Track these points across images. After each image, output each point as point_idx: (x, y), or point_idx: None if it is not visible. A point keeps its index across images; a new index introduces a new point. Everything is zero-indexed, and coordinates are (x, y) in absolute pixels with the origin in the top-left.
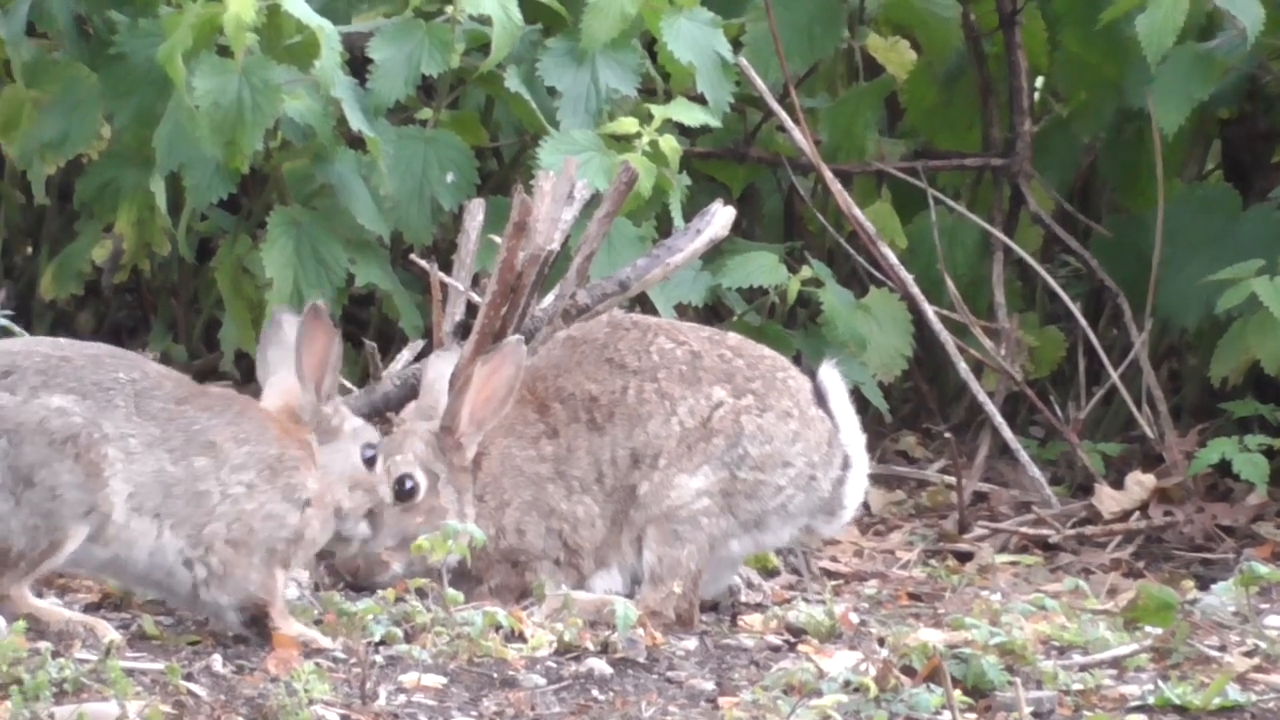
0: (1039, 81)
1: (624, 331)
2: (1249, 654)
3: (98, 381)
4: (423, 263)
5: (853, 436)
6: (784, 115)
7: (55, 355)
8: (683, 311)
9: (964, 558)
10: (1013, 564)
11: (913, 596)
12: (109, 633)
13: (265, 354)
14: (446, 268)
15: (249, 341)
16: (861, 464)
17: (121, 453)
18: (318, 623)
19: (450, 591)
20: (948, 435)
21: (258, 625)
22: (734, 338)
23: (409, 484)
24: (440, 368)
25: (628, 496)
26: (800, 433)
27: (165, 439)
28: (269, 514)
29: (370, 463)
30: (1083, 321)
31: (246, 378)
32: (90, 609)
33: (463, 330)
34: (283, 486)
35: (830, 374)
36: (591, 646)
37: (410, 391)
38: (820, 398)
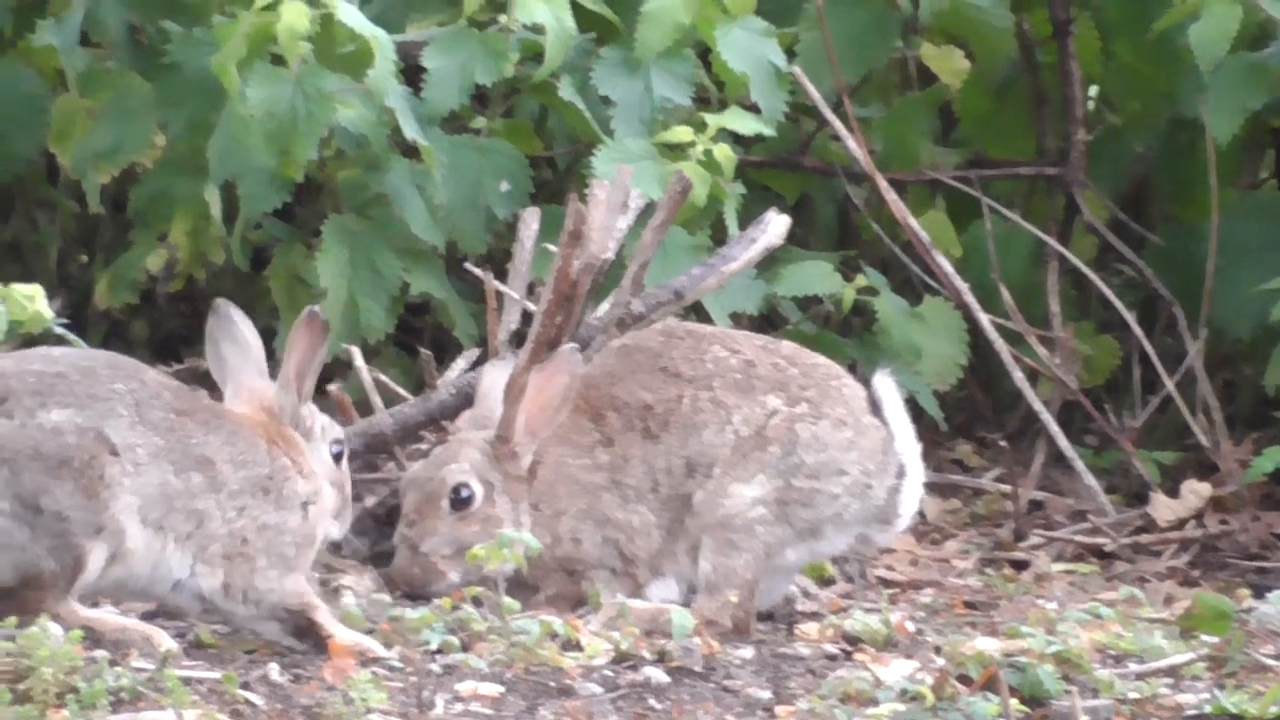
0: (1092, 90)
1: (678, 340)
2: None
3: (94, 394)
4: (478, 271)
5: (908, 445)
6: (838, 124)
7: (49, 372)
8: (737, 320)
9: (1020, 566)
10: (1068, 572)
11: (969, 605)
12: (165, 641)
13: (219, 349)
14: (501, 276)
15: None
16: (916, 472)
17: (130, 464)
18: (370, 631)
19: (506, 600)
20: (1003, 444)
21: (307, 634)
22: (788, 346)
23: (464, 493)
24: (495, 377)
25: (683, 505)
26: (855, 440)
27: (168, 450)
28: (268, 525)
29: (338, 458)
30: (1137, 330)
31: None
32: (146, 617)
33: (518, 339)
34: (280, 496)
35: (885, 383)
36: (648, 655)
37: (465, 400)
38: (875, 406)
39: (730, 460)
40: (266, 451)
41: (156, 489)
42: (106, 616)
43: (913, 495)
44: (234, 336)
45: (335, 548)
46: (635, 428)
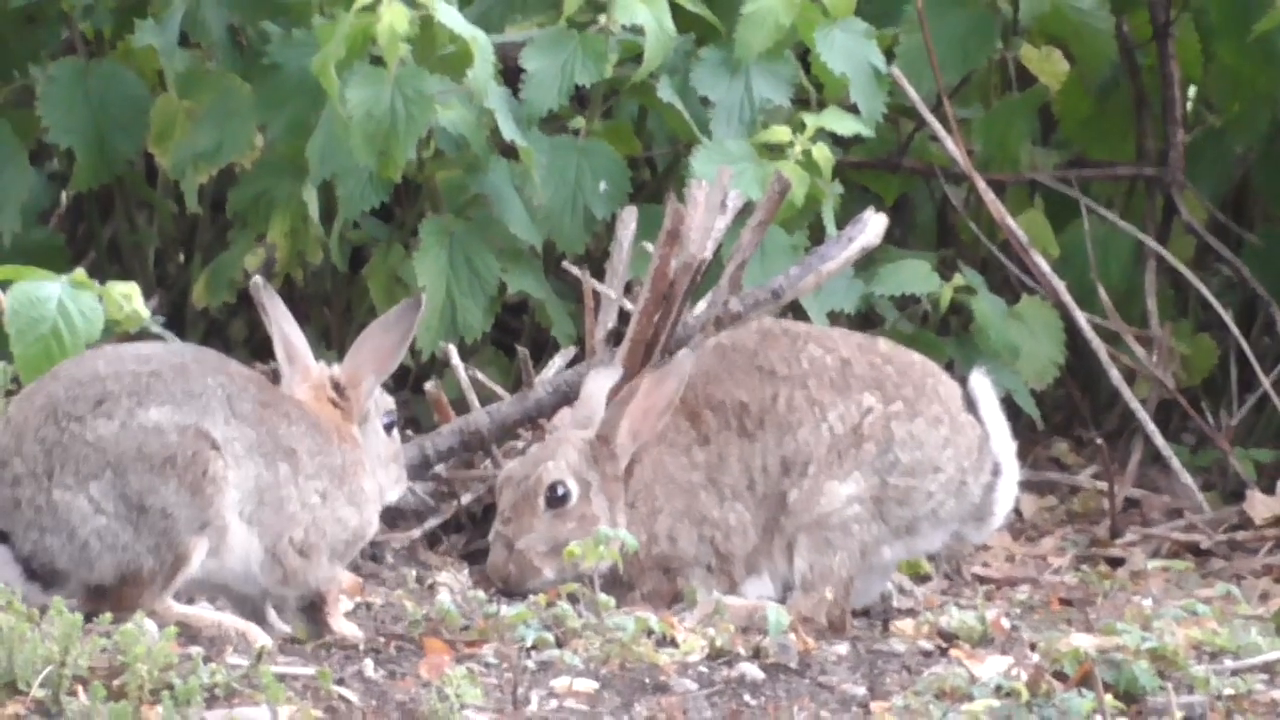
0: (1192, 92)
1: (774, 339)
2: None
3: (190, 390)
4: (576, 271)
5: (1003, 443)
6: (937, 125)
7: (144, 371)
8: (835, 319)
9: (1115, 563)
10: (1164, 569)
11: (1064, 602)
12: (261, 637)
13: (284, 330)
14: (599, 276)
15: None
16: (1012, 471)
17: (232, 459)
18: (465, 628)
19: (602, 597)
20: (1100, 442)
21: (312, 611)
22: (884, 344)
23: (560, 490)
24: (601, 382)
25: (778, 504)
26: (951, 438)
27: (260, 443)
28: (338, 519)
29: (389, 428)
30: (1235, 330)
31: (398, 385)
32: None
33: (615, 338)
34: (348, 491)
35: (981, 381)
36: (743, 651)
37: (562, 399)
38: (971, 405)
39: (826, 459)
40: (338, 446)
41: (252, 482)
42: (202, 613)
43: (1008, 493)
44: (288, 317)
45: (393, 516)
46: (731, 426)
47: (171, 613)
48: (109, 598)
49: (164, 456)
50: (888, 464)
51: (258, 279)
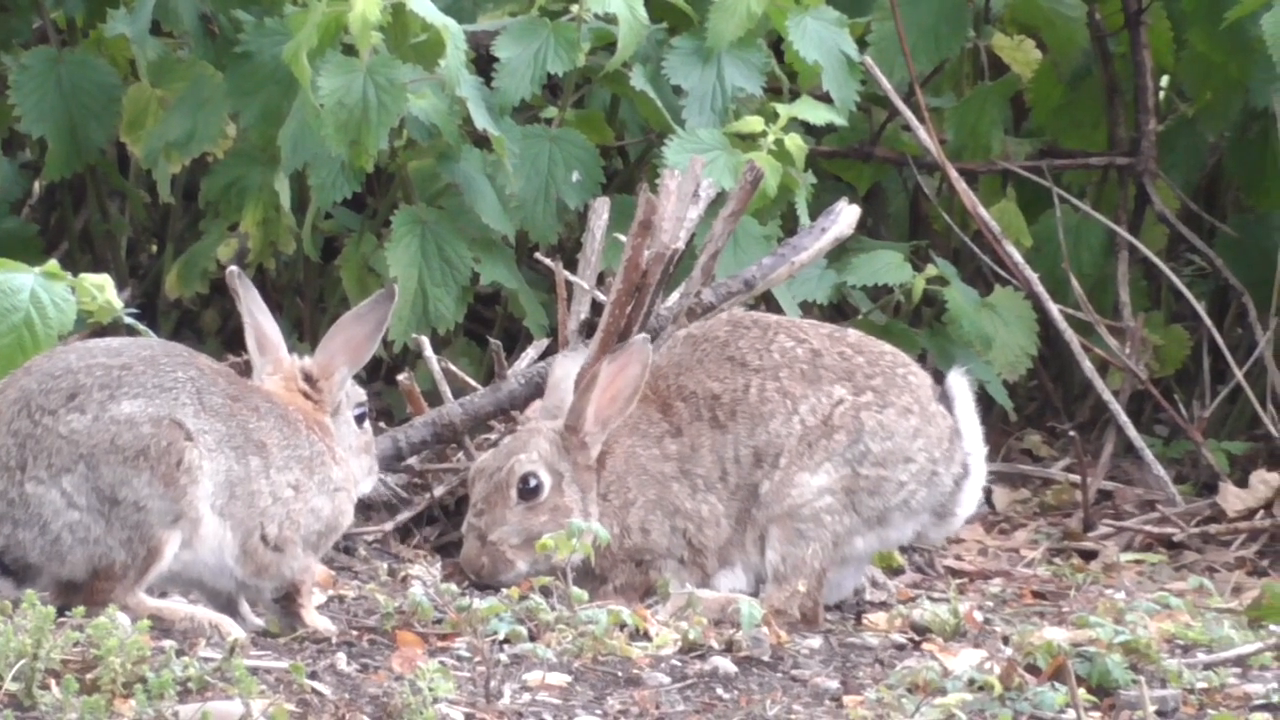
0: (1164, 81)
1: (745, 330)
2: None
3: (160, 384)
4: (548, 261)
5: (975, 446)
6: (909, 114)
7: (115, 365)
8: (808, 309)
9: (1088, 556)
10: (1137, 562)
11: (1037, 595)
12: (234, 630)
13: (257, 319)
14: (571, 266)
15: None
16: (980, 473)
17: (204, 451)
18: (438, 621)
19: (575, 590)
20: (1072, 434)
21: (286, 603)
22: (854, 334)
23: (533, 482)
24: (567, 367)
25: (750, 495)
26: (921, 428)
27: (230, 436)
28: (311, 510)
29: (360, 420)
30: (1207, 320)
31: (371, 376)
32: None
33: (588, 329)
34: (318, 481)
35: (958, 381)
36: (716, 645)
37: (535, 390)
38: (947, 402)
39: (797, 450)
40: (306, 436)
41: (224, 475)
42: (175, 606)
43: (973, 494)
44: (263, 307)
45: (365, 509)
46: (703, 417)
47: (144, 606)
48: (81, 591)
49: (137, 449)
50: (858, 454)
51: (233, 268)
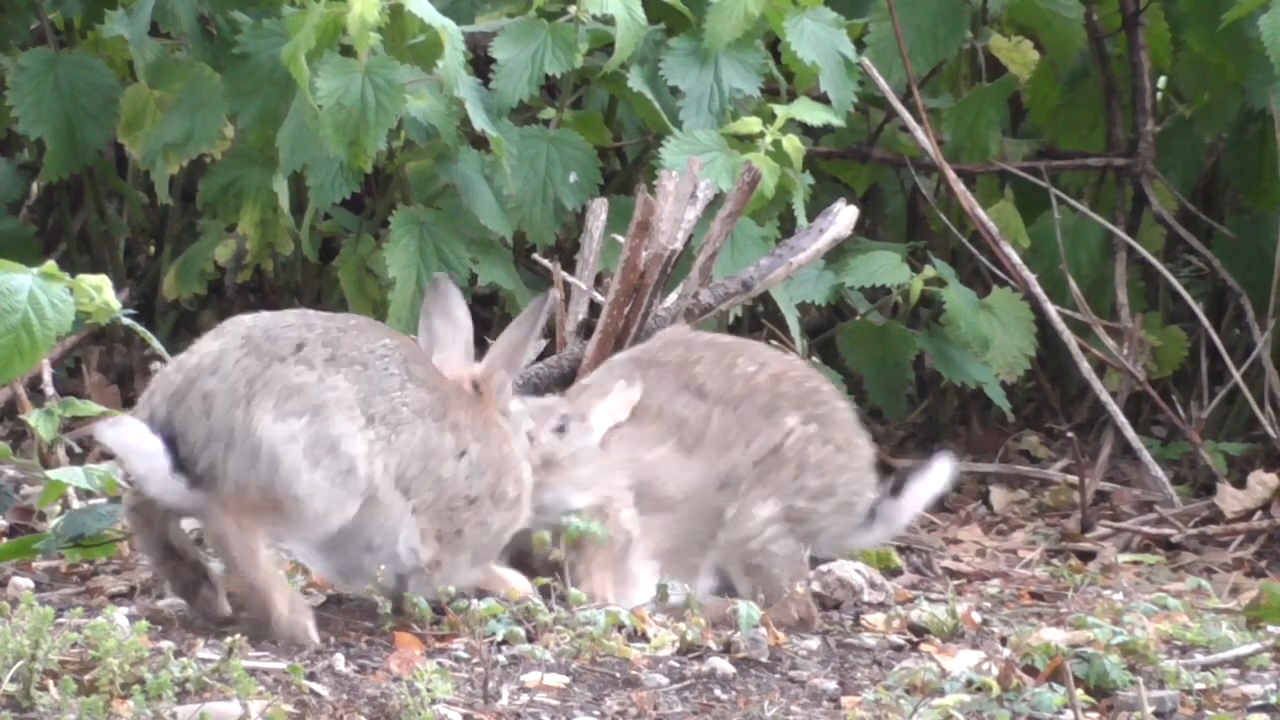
0: (1162, 82)
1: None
2: None
3: (373, 350)
4: (546, 262)
5: (910, 513)
6: (907, 115)
7: (333, 326)
8: (805, 311)
9: (1086, 557)
10: (1135, 563)
11: (1035, 596)
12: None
13: (432, 324)
14: (569, 267)
15: None
16: (897, 524)
17: (389, 428)
18: (435, 623)
19: (573, 591)
20: (1070, 435)
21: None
22: (800, 362)
23: None
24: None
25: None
26: (848, 465)
27: (430, 408)
28: (482, 521)
29: (560, 431)
30: (1205, 321)
31: None
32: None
33: (586, 330)
34: (502, 488)
35: (943, 465)
36: (714, 646)
37: (533, 391)
38: (916, 474)
39: (754, 479)
40: (498, 435)
41: (420, 445)
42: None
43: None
44: (449, 313)
45: None
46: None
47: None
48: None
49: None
50: (797, 488)
51: (441, 274)
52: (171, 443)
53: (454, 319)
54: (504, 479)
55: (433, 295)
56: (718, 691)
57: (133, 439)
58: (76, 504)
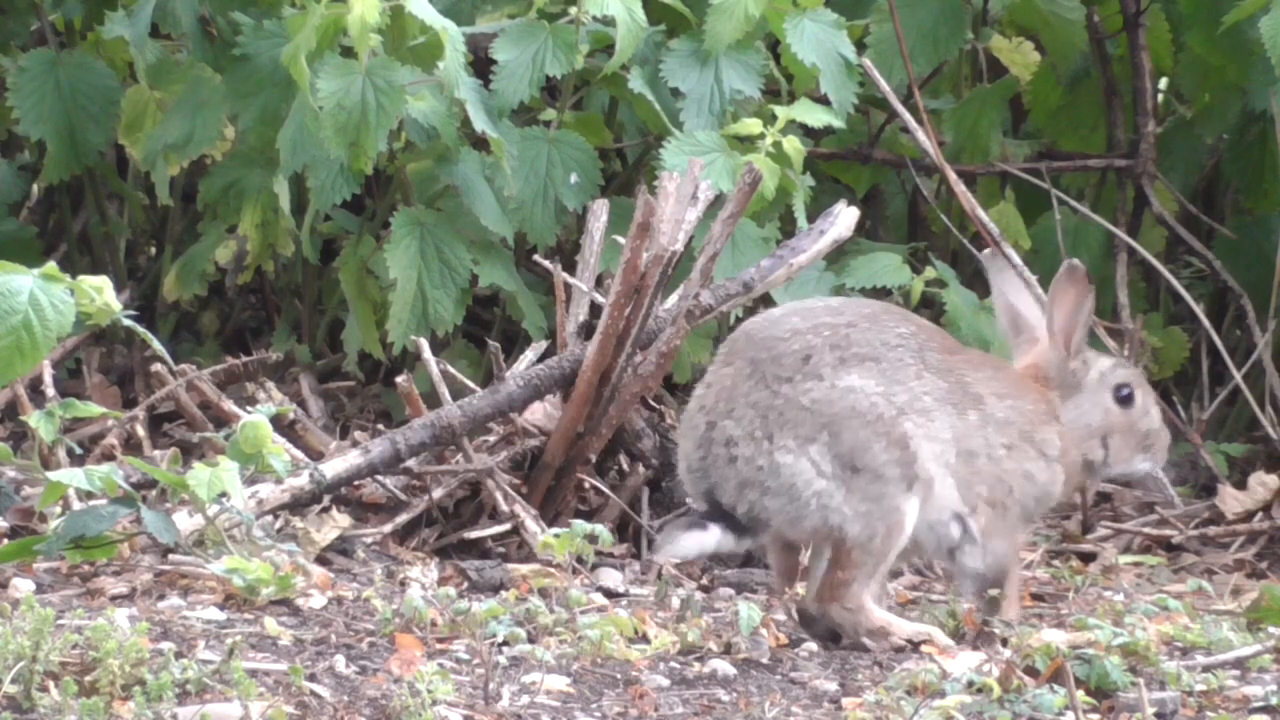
0: (1163, 83)
1: None
2: None
3: (885, 341)
4: (546, 263)
5: None
6: (908, 116)
7: (841, 324)
8: None
9: (1087, 558)
10: (1136, 565)
11: (1036, 597)
12: (941, 639)
13: (1007, 299)
14: (570, 268)
15: (372, 342)
16: None
17: (920, 414)
18: (436, 624)
19: (573, 593)
20: None
21: (988, 599)
22: None
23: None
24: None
25: None
26: None
27: (949, 393)
28: (1026, 473)
29: (1125, 400)
30: (1206, 322)
31: (369, 378)
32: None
33: (586, 331)
34: (1038, 444)
35: None
36: (715, 647)
37: (534, 392)
38: None
39: None
40: (1029, 393)
41: (947, 431)
42: (902, 623)
43: None
44: (1018, 287)
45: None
46: None
47: (871, 617)
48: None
49: (875, 414)
50: None
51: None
52: (709, 497)
53: (1019, 288)
54: (1041, 435)
55: (993, 267)
56: (719, 693)
57: (694, 547)
58: (77, 505)
